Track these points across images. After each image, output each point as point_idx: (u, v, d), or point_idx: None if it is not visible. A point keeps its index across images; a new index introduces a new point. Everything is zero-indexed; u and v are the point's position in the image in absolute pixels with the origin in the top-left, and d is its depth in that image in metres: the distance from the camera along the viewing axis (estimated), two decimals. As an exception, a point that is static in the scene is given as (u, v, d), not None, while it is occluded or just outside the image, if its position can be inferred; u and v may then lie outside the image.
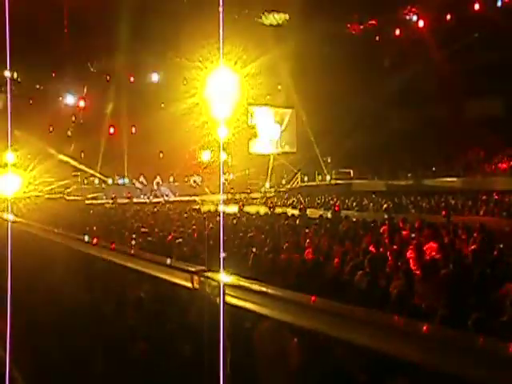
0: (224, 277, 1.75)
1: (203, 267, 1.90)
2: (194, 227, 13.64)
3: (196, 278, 1.86)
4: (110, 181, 40.25)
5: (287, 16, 40.52)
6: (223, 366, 1.78)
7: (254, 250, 8.86)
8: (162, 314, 4.85)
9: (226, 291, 1.69)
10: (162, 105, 39.53)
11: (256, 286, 1.65)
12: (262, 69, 33.28)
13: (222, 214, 18.67)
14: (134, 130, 40.94)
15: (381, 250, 8.87)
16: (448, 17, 38.59)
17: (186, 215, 19.25)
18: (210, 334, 1.84)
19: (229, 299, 1.71)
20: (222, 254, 8.64)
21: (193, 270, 1.91)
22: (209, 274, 1.82)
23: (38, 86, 39.63)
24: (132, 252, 2.56)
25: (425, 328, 1.29)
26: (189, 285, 1.90)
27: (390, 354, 1.35)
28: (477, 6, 37.11)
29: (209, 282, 1.78)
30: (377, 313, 1.42)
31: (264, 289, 1.62)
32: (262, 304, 1.61)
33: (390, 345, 1.32)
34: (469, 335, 1.29)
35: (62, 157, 36.98)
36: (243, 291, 1.67)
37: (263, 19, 40.70)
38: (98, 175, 39.77)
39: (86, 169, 38.71)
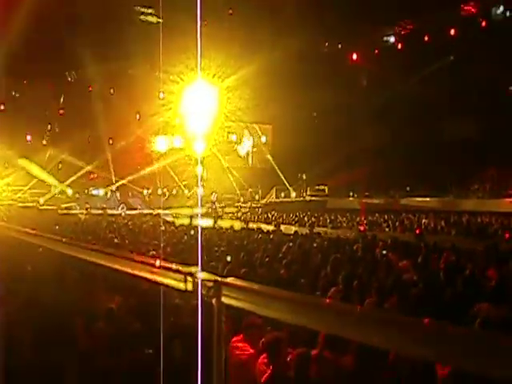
0: (220, 277, 1.73)
1: (196, 268, 1.86)
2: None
3: (190, 278, 1.82)
4: (85, 191, 39.85)
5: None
6: (217, 366, 1.76)
7: (228, 259, 8.90)
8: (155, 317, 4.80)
9: (223, 291, 1.68)
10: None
11: (252, 286, 1.64)
12: (238, 84, 33.36)
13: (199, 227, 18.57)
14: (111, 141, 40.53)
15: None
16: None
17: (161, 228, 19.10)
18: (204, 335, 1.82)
19: (224, 300, 1.70)
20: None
21: (186, 270, 1.86)
22: (203, 275, 1.79)
23: (13, 93, 39.17)
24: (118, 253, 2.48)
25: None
26: (181, 286, 1.86)
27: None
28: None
29: (204, 283, 1.76)
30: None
31: (261, 288, 1.62)
32: (258, 304, 1.61)
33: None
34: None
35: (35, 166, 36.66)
36: (239, 291, 1.66)
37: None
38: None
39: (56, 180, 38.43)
